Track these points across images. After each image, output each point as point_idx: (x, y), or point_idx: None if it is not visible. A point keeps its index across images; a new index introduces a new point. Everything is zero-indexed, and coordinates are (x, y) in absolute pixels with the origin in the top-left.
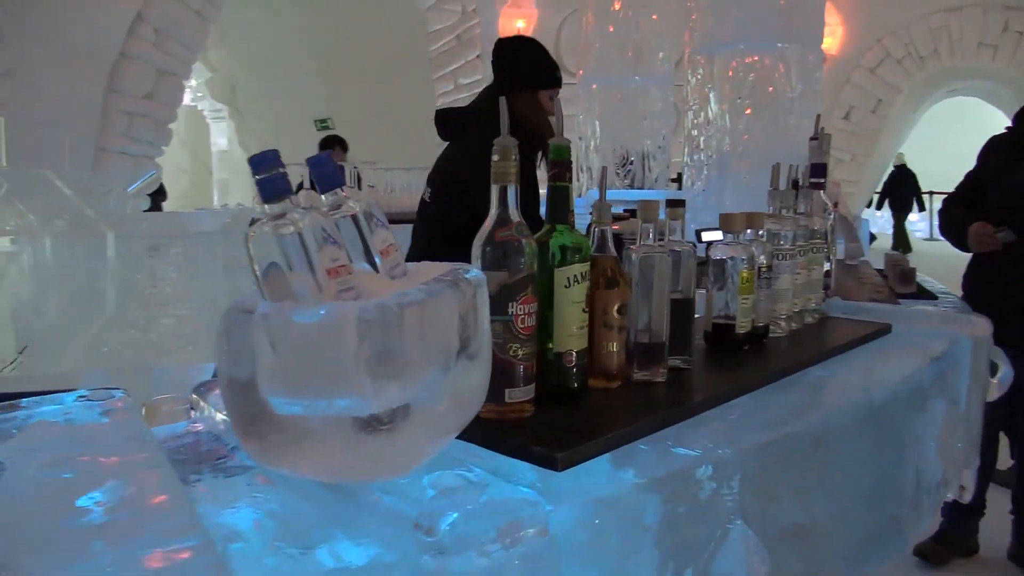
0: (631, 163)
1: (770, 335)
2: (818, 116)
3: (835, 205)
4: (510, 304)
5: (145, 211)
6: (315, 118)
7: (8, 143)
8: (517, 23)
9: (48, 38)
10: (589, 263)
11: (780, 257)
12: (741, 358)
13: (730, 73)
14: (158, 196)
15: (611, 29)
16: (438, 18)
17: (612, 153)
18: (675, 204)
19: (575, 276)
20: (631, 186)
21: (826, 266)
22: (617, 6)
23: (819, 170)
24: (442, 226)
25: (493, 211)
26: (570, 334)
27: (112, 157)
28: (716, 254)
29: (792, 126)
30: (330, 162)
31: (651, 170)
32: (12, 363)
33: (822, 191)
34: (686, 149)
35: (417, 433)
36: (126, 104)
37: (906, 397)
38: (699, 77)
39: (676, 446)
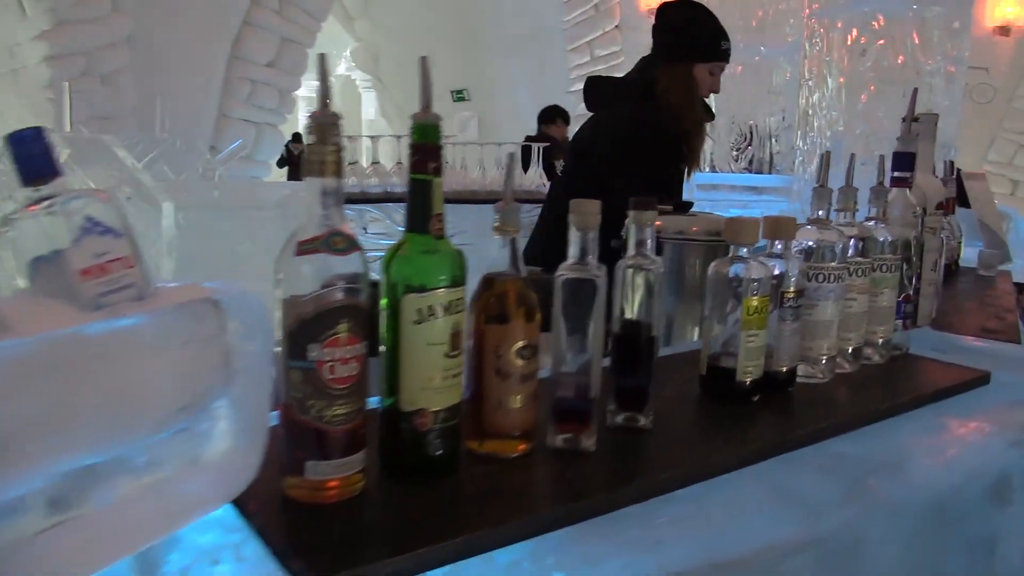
0: (748, 143)
1: (801, 381)
2: (914, 91)
3: (947, 204)
4: (310, 346)
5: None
6: (452, 89)
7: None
8: None
9: (169, 5)
10: (459, 289)
11: (821, 278)
12: (742, 416)
13: (849, 41)
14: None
15: None
16: None
17: (727, 131)
18: (643, 206)
19: (429, 308)
20: (748, 168)
21: (912, 286)
22: None
23: (904, 161)
24: (564, 206)
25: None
26: (424, 387)
27: (233, 123)
28: (722, 271)
29: (927, 107)
30: (38, 141)
31: (774, 151)
32: None
33: (908, 189)
34: (799, 131)
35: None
36: (249, 71)
37: (987, 487)
38: (817, 47)
39: (558, 571)
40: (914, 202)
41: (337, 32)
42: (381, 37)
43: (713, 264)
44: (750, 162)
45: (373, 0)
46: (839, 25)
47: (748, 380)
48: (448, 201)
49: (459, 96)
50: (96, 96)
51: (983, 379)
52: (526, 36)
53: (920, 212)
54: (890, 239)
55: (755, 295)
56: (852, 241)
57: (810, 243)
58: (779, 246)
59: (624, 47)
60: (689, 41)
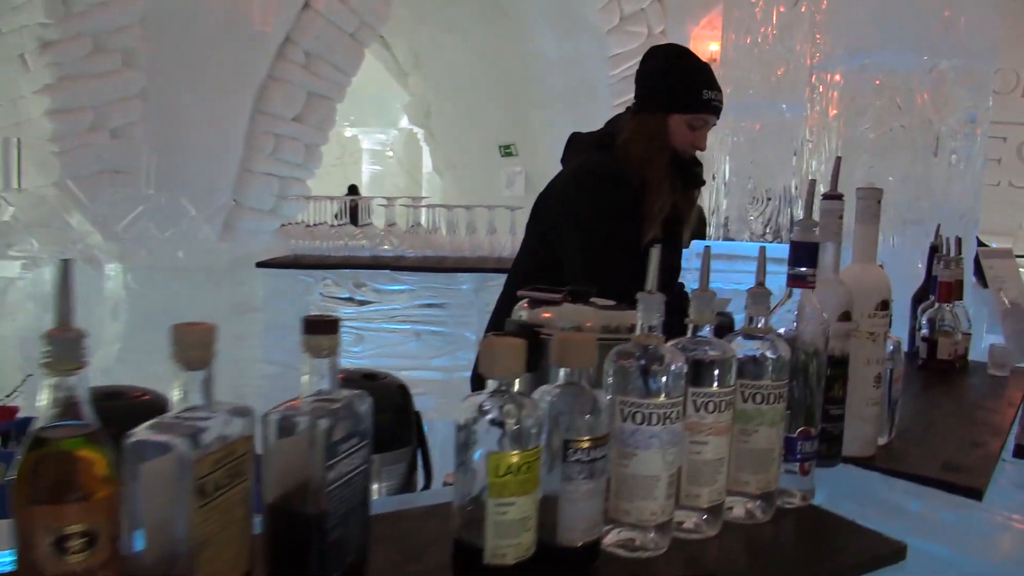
0: (765, 207)
1: (614, 553)
2: (836, 161)
3: (946, 292)
4: None
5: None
6: (500, 144)
7: (128, 162)
8: (711, 46)
9: (188, 60)
10: None
11: (639, 419)
12: None
13: (852, 97)
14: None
15: (747, 40)
16: (620, 41)
17: (744, 192)
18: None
19: None
20: (764, 235)
21: (819, 416)
22: (760, 18)
23: (803, 254)
24: (514, 269)
25: None
26: None
27: (256, 177)
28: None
29: (942, 172)
30: None
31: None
32: (11, 393)
33: (811, 289)
34: (801, 200)
35: None
36: (273, 126)
37: None
38: (818, 103)
39: None
40: (818, 306)
41: (396, 86)
42: (432, 92)
43: (465, 399)
44: (767, 228)
45: (425, 56)
46: (837, 79)
47: (505, 563)
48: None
49: (507, 151)
50: (105, 150)
51: (895, 554)
52: (573, 91)
53: (827, 320)
54: (774, 356)
55: (515, 449)
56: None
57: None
58: (567, 375)
59: None
60: (664, 88)
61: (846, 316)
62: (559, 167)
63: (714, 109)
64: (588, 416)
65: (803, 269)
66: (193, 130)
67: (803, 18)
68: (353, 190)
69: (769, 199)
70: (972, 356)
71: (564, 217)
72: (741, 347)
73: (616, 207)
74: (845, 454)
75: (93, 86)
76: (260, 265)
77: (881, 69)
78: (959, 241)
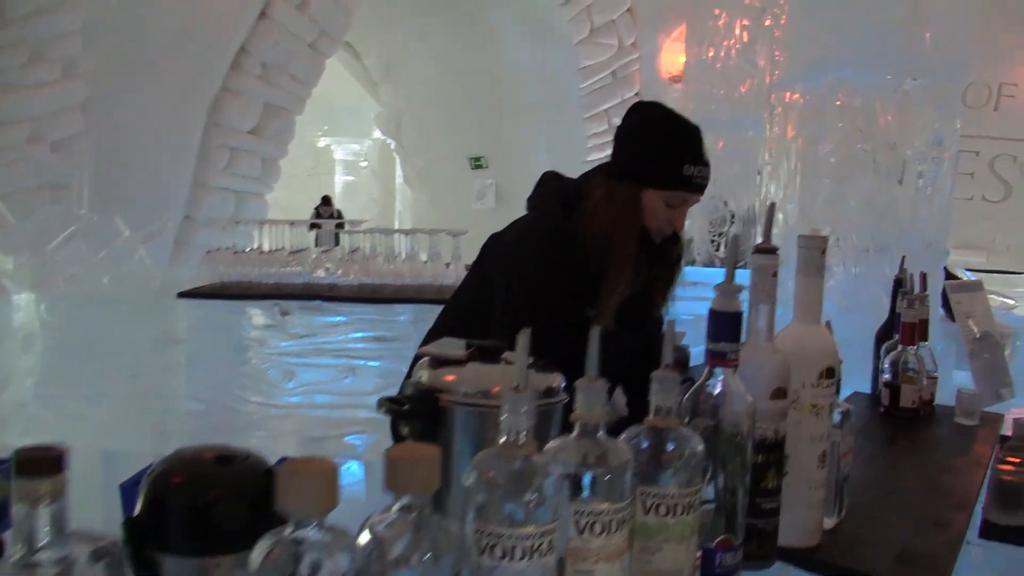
0: (728, 227)
1: None
2: (770, 207)
3: (909, 334)
4: None
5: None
6: (470, 156)
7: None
8: (681, 59)
9: (135, 70)
10: None
11: (498, 552)
12: None
13: (811, 117)
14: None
15: (710, 54)
16: (590, 53)
17: (706, 213)
18: None
19: None
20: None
21: (741, 520)
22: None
23: (724, 327)
24: (450, 305)
25: None
26: None
27: (210, 192)
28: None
29: (908, 197)
30: None
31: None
32: None
33: (734, 368)
34: (756, 228)
35: None
36: (228, 138)
37: None
38: (777, 124)
39: None
40: (742, 388)
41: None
42: (403, 102)
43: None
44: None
45: (395, 65)
46: (796, 98)
47: None
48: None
49: (477, 164)
50: (46, 164)
51: None
52: (544, 103)
53: (753, 403)
54: (683, 456)
55: None
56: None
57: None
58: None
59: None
60: (640, 157)
61: (780, 392)
62: (532, 179)
63: (696, 187)
64: (428, 555)
65: (724, 345)
66: (141, 143)
67: (767, 32)
68: (326, 201)
69: (733, 220)
70: (940, 398)
71: (505, 273)
72: (641, 445)
73: (563, 280)
74: (784, 544)
75: (31, 97)
76: (183, 295)
77: (842, 88)
78: (924, 277)
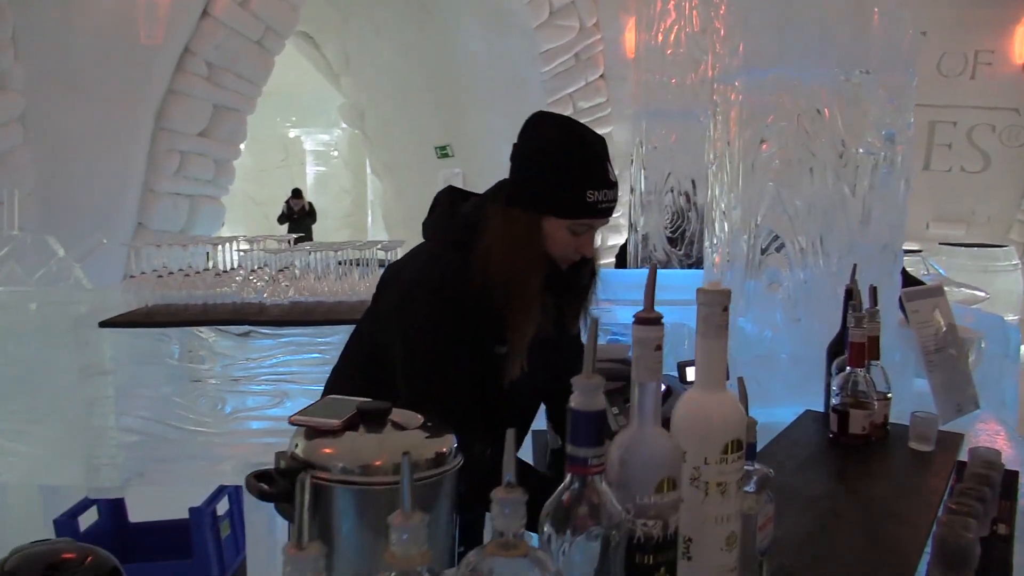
0: (681, 222)
1: None
2: (652, 268)
3: (858, 356)
4: None
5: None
6: (436, 145)
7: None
8: None
9: (72, 78)
10: None
11: None
12: None
13: (751, 114)
14: (307, 219)
15: (659, 40)
16: (550, 36)
17: (660, 208)
18: None
19: None
20: (686, 260)
21: None
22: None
23: (585, 429)
24: (346, 350)
25: None
26: None
27: (162, 198)
28: None
29: (858, 198)
30: None
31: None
32: None
33: (598, 475)
34: (708, 229)
35: None
36: (177, 142)
37: None
38: (720, 121)
39: None
40: (606, 498)
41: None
42: (365, 94)
43: None
44: (690, 248)
45: (355, 56)
46: (734, 97)
47: None
48: None
49: (443, 152)
50: None
51: None
52: (505, 90)
53: (622, 513)
54: None
55: None
56: None
57: None
58: None
59: (611, 97)
60: (538, 183)
61: (670, 483)
62: (498, 167)
63: (602, 212)
64: None
65: (584, 450)
66: (85, 153)
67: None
68: (296, 194)
69: (691, 210)
70: (898, 413)
71: (401, 321)
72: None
73: (463, 325)
74: None
75: None
76: (104, 325)
77: (786, 84)
78: (874, 291)
